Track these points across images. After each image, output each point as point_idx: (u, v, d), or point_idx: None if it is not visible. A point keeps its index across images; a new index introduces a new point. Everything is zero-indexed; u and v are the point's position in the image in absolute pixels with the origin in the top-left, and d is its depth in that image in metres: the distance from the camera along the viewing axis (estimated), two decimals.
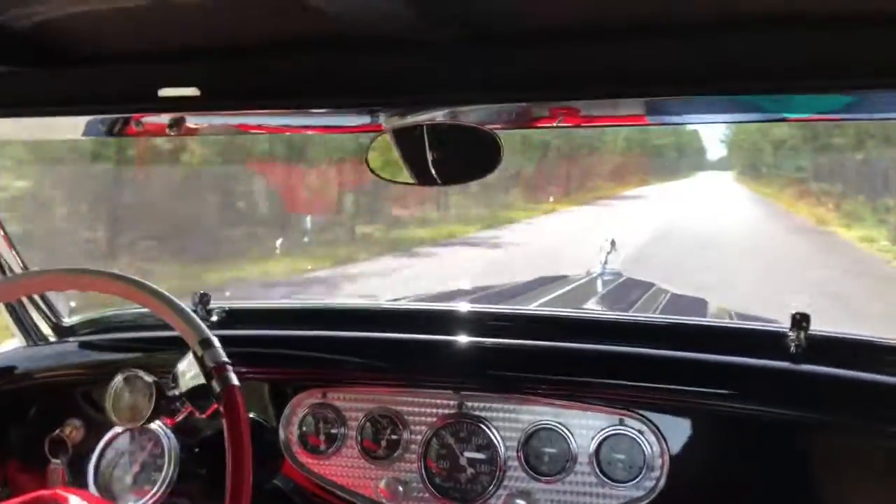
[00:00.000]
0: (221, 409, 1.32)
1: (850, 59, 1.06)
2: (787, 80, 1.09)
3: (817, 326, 1.55)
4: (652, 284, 3.41)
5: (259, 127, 1.61)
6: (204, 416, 1.41)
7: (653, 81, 1.14)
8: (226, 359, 1.35)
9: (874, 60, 1.05)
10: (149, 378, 1.48)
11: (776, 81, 1.10)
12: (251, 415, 1.70)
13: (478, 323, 1.80)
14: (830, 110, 1.22)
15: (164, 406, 1.45)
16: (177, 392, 1.43)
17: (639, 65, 1.14)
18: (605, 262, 3.50)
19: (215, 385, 1.33)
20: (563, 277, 3.75)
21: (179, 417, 1.49)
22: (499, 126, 1.39)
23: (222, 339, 1.39)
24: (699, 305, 3.12)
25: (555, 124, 1.39)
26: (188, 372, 1.40)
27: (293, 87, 1.36)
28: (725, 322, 2.03)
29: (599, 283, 3.36)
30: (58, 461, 1.72)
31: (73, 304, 2.09)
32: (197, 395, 1.40)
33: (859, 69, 1.05)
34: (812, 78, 1.07)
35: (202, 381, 1.36)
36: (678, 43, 1.13)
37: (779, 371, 1.50)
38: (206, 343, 1.36)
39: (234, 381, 1.33)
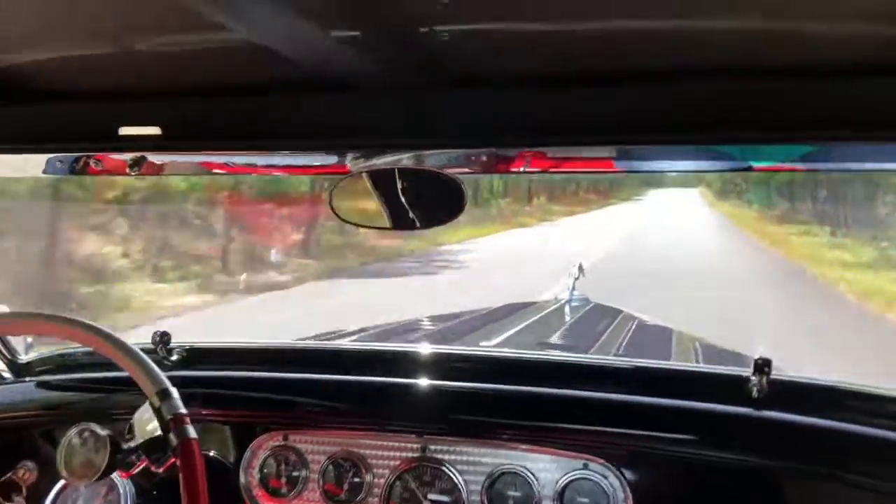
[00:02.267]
0: (178, 462, 1.29)
1: (815, 111, 1.07)
2: (751, 129, 1.10)
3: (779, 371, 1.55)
4: (620, 311, 3.42)
5: (223, 166, 1.58)
6: (160, 470, 1.37)
7: (619, 130, 1.15)
8: (183, 410, 1.32)
9: (839, 112, 1.07)
10: (103, 432, 1.43)
11: (740, 131, 1.11)
12: (211, 453, 1.68)
13: (441, 365, 1.78)
14: (795, 159, 1.24)
15: (119, 461, 1.41)
16: (132, 444, 1.39)
17: (605, 113, 1.15)
18: (573, 289, 3.50)
19: (172, 438, 1.30)
20: (532, 304, 3.75)
21: (135, 471, 1.45)
22: (465, 171, 1.38)
23: (182, 379, 1.37)
24: (665, 335, 3.13)
25: (522, 169, 1.39)
26: (145, 422, 1.37)
27: (257, 127, 1.35)
28: (688, 366, 2.04)
29: (567, 309, 3.36)
30: None
31: (30, 339, 2.04)
32: (153, 448, 1.36)
33: (824, 121, 1.07)
34: (777, 129, 1.09)
35: (159, 432, 1.33)
36: (645, 91, 1.14)
37: (740, 417, 1.51)
38: (163, 394, 1.33)
39: (192, 434, 1.30)
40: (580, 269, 3.62)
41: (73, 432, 1.45)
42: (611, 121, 1.15)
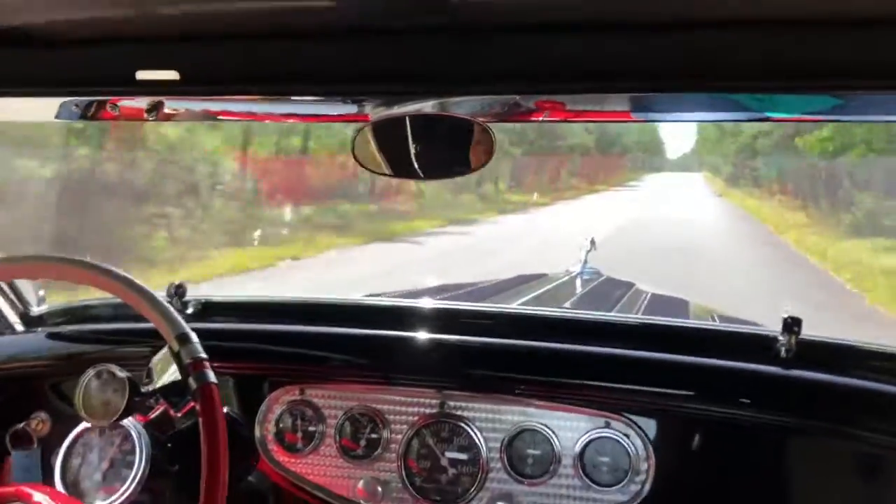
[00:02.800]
0: (197, 406, 1.27)
1: (835, 61, 1.05)
2: (772, 79, 1.08)
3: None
4: (632, 284, 3.39)
5: (240, 114, 1.56)
6: (179, 413, 1.36)
7: (639, 77, 1.13)
8: (203, 355, 1.30)
9: (859, 62, 1.04)
10: (122, 373, 1.43)
11: (761, 80, 1.09)
12: (226, 410, 1.66)
13: (461, 321, 1.76)
14: (813, 111, 1.21)
15: (137, 403, 1.40)
16: (151, 388, 1.38)
17: (626, 60, 1.13)
18: (585, 262, 3.47)
19: (192, 382, 1.28)
20: (543, 276, 3.73)
21: (153, 415, 1.44)
22: (487, 119, 1.35)
23: (198, 332, 1.34)
24: (681, 306, 3.10)
25: (541, 119, 1.36)
26: (164, 367, 1.35)
27: (277, 74, 1.32)
28: (715, 325, 2.01)
29: (579, 282, 3.34)
30: (24, 454, 1.66)
31: (42, 292, 2.02)
32: (172, 391, 1.35)
33: (844, 70, 1.05)
34: (797, 78, 1.07)
35: (178, 377, 1.31)
36: (665, 39, 1.11)
37: (769, 376, 1.48)
38: (183, 338, 1.30)
39: (212, 378, 1.28)
40: (592, 242, 3.59)
41: (91, 373, 1.44)
42: (629, 69, 1.13)
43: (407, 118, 1.35)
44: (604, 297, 3.20)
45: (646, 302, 3.01)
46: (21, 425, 1.68)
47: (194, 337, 1.31)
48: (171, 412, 1.37)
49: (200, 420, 1.25)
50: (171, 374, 1.33)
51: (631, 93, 1.19)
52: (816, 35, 1.05)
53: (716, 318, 2.63)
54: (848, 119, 1.31)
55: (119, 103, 1.50)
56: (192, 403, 1.31)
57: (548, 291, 3.32)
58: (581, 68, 1.15)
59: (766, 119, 1.26)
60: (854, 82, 1.06)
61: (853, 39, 1.04)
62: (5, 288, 1.88)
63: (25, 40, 1.38)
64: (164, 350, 1.34)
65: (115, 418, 1.42)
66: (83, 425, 1.57)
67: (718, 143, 20.91)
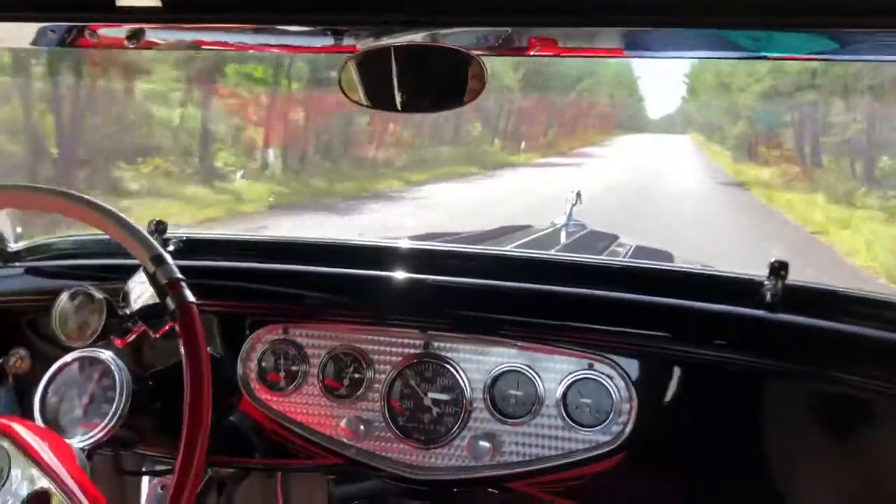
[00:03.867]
0: (177, 327, 1.24)
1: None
2: (767, 15, 1.06)
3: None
4: (616, 237, 3.40)
5: (223, 44, 1.51)
6: (157, 334, 1.33)
7: (633, 11, 1.10)
8: (180, 275, 1.26)
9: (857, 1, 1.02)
10: (99, 294, 1.41)
11: (756, 16, 1.07)
12: (208, 350, 1.64)
13: (447, 261, 1.75)
14: (811, 51, 1.20)
15: (114, 324, 1.38)
16: (128, 311, 1.35)
17: None
18: (570, 214, 3.47)
19: (170, 302, 1.25)
20: (527, 227, 3.73)
21: (131, 337, 1.41)
22: (479, 51, 1.32)
23: (179, 269, 1.31)
24: (665, 257, 3.11)
25: (532, 53, 1.32)
26: (140, 290, 1.32)
27: (261, 2, 1.27)
28: (701, 269, 2.01)
29: (563, 233, 3.35)
30: (4, 389, 1.64)
31: (19, 229, 1.98)
32: (150, 313, 1.32)
33: (842, 9, 1.03)
34: (795, 14, 1.04)
35: (155, 299, 1.29)
36: None
37: (754, 319, 1.48)
38: (158, 259, 1.26)
39: (190, 297, 1.25)
40: (578, 195, 3.59)
41: (66, 295, 1.42)
42: (623, 3, 1.10)
43: (392, 48, 1.31)
44: (588, 248, 3.21)
45: (631, 251, 3.01)
46: (0, 362, 1.67)
47: (169, 258, 1.27)
48: (150, 334, 1.34)
49: (181, 340, 1.22)
50: (148, 296, 1.30)
51: (624, 27, 1.16)
52: None
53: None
54: (845, 58, 1.30)
55: (98, 31, 1.46)
56: (170, 324, 1.28)
57: (532, 241, 3.32)
58: (574, 3, 1.12)
59: (762, 57, 1.23)
60: (852, 20, 1.04)
61: None
62: None
63: None
64: (140, 272, 1.31)
65: (91, 339, 1.40)
66: (62, 360, 1.56)
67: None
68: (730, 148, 20.49)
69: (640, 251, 3.10)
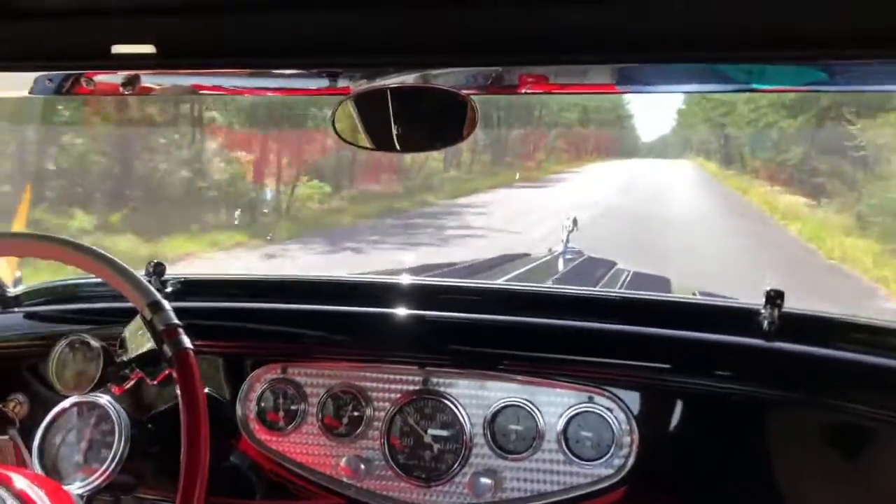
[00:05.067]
0: (174, 374, 1.25)
1: (823, 30, 1.04)
2: (756, 49, 1.08)
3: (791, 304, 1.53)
4: (614, 263, 3.41)
5: (218, 88, 1.53)
6: (154, 382, 1.33)
7: (623, 48, 1.12)
8: (177, 321, 1.27)
9: (843, 32, 1.03)
10: (96, 343, 1.42)
11: (745, 51, 1.08)
12: (206, 390, 1.64)
13: (443, 297, 1.76)
14: (802, 82, 1.21)
15: (111, 373, 1.38)
16: (125, 358, 1.36)
17: (609, 32, 1.11)
18: (567, 241, 3.49)
19: (167, 349, 1.25)
20: (525, 255, 3.75)
21: (128, 384, 1.41)
22: (470, 91, 1.34)
23: (177, 311, 1.32)
24: (662, 284, 3.12)
25: (524, 91, 1.34)
26: (137, 337, 1.33)
27: (255, 46, 1.30)
28: (698, 299, 2.02)
29: (561, 261, 3.37)
30: (5, 437, 1.64)
31: (18, 273, 2.00)
32: (147, 360, 1.32)
33: (828, 41, 1.04)
34: (782, 49, 1.06)
35: (153, 346, 1.29)
36: (651, 9, 1.10)
37: (751, 348, 1.49)
38: (155, 306, 1.27)
39: (187, 343, 1.25)
40: (574, 222, 3.61)
41: (64, 343, 1.43)
42: (613, 40, 1.12)
43: (388, 90, 1.33)
44: (586, 275, 3.22)
45: (628, 279, 3.02)
46: (0, 407, 1.67)
47: (167, 304, 1.28)
48: (147, 381, 1.35)
49: (178, 387, 1.23)
50: (146, 343, 1.31)
51: (615, 64, 1.18)
52: (801, 4, 1.04)
53: (697, 294, 2.65)
54: (833, 89, 1.31)
55: (94, 78, 1.48)
56: (167, 371, 1.28)
57: (530, 270, 3.33)
58: (564, 40, 1.13)
59: (752, 90, 1.25)
60: (838, 52, 1.05)
61: (839, 9, 1.04)
62: None
63: None
64: (137, 319, 1.32)
65: (89, 388, 1.40)
66: (60, 406, 1.56)
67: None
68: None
69: (637, 278, 3.11)
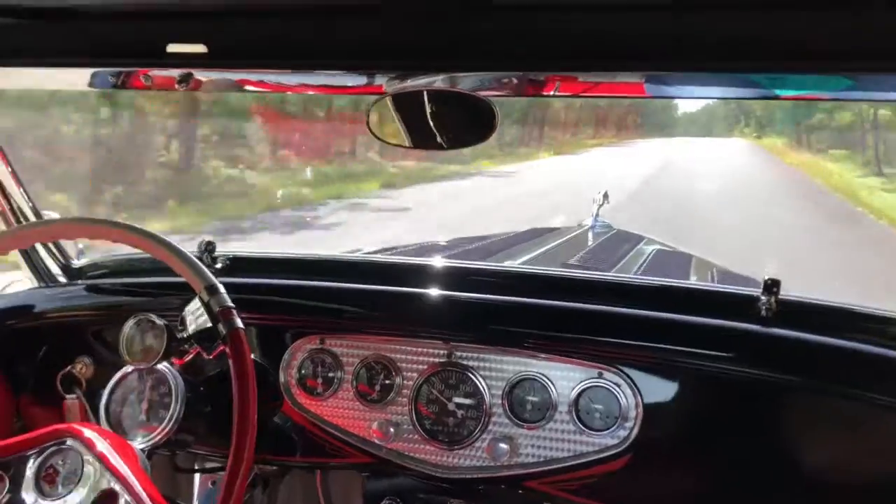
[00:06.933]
0: (227, 349, 1.42)
1: (848, 41, 1.08)
2: (780, 60, 1.12)
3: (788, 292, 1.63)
4: (642, 237, 3.46)
5: (263, 84, 1.65)
6: (210, 356, 1.51)
7: (650, 56, 1.17)
8: (231, 304, 1.45)
9: (872, 43, 1.07)
10: (160, 321, 1.59)
11: (776, 60, 1.12)
12: (253, 357, 1.80)
13: (469, 278, 1.88)
14: (825, 90, 1.26)
15: (174, 347, 1.57)
16: (185, 334, 1.54)
17: (637, 38, 1.17)
18: (597, 215, 3.55)
19: (221, 328, 1.43)
20: (556, 229, 3.81)
21: (188, 358, 1.60)
22: (497, 93, 1.43)
23: (226, 286, 1.48)
24: (684, 259, 3.20)
25: (552, 93, 1.42)
26: (195, 316, 1.50)
27: (298, 48, 1.40)
28: (702, 285, 2.11)
29: (591, 235, 3.43)
30: (73, 396, 1.82)
31: (80, 245, 2.16)
32: (204, 337, 1.51)
33: (851, 52, 1.08)
34: (807, 59, 1.10)
35: (209, 324, 1.46)
36: (679, 17, 1.15)
37: (748, 333, 1.60)
38: (211, 289, 1.45)
39: (239, 324, 1.43)
40: (605, 196, 3.66)
41: (131, 322, 1.60)
42: (642, 46, 1.17)
43: (425, 92, 1.43)
44: (613, 250, 3.29)
45: (652, 255, 3.10)
46: (68, 368, 1.86)
47: (222, 288, 1.46)
48: (204, 355, 1.53)
49: (231, 361, 1.40)
50: (203, 321, 1.48)
51: (641, 72, 1.24)
52: (825, 15, 1.08)
53: (715, 272, 2.73)
54: (855, 98, 1.33)
55: (151, 73, 1.61)
56: (221, 347, 1.45)
57: (560, 244, 3.41)
58: (594, 46, 1.19)
59: (776, 97, 1.30)
60: (861, 63, 1.10)
61: (862, 20, 1.07)
62: (49, 243, 2.03)
63: (60, 14, 1.47)
64: (195, 300, 1.49)
65: (154, 361, 1.58)
66: (123, 370, 1.73)
67: None
68: None
69: (660, 253, 3.19)
